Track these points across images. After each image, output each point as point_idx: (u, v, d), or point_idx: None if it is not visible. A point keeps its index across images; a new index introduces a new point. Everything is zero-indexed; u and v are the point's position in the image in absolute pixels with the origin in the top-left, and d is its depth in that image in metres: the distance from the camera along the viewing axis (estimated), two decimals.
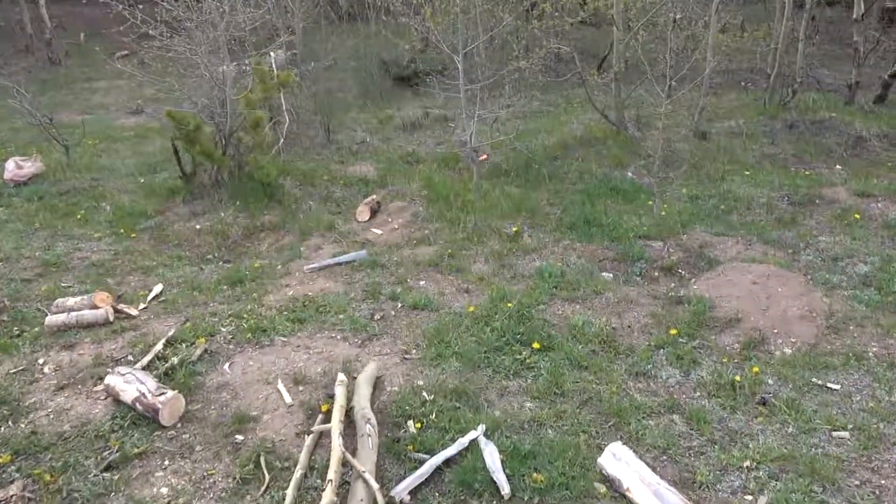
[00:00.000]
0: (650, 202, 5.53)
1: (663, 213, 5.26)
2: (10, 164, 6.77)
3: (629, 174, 6.42)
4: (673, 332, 3.67)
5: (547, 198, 5.83)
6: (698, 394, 3.16)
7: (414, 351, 3.62)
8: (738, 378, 3.19)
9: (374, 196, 5.82)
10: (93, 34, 17.18)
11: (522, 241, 4.97)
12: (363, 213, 5.53)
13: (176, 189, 6.25)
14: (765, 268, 4.20)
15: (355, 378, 3.31)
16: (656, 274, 4.41)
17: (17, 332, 3.96)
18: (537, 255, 4.73)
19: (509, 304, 3.91)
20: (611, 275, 4.43)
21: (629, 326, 3.78)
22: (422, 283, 4.40)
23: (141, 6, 5.61)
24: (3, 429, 3.10)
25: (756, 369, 3.26)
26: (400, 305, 4.10)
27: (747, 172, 6.20)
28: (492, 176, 6.39)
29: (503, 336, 3.65)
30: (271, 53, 8.40)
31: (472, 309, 3.95)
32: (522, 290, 4.20)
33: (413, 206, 5.78)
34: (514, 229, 5.10)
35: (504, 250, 4.82)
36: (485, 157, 6.94)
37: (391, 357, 3.57)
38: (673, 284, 4.28)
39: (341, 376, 3.22)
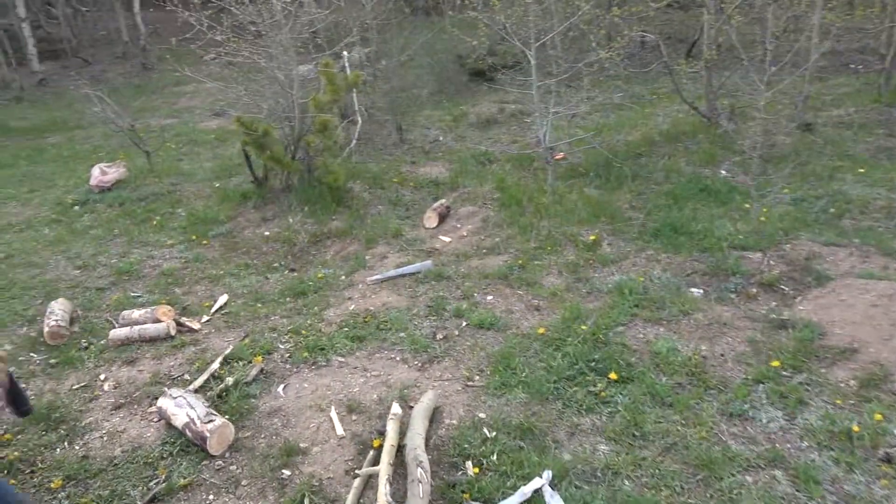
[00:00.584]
0: (747, 205, 4.98)
1: (762, 218, 4.71)
2: (95, 171, 6.97)
3: (722, 172, 5.86)
4: (775, 363, 3.20)
5: (629, 200, 5.39)
6: (806, 444, 2.71)
7: (477, 377, 3.33)
8: (855, 427, 2.71)
9: (444, 201, 5.55)
10: (184, 39, 17.90)
11: (600, 251, 4.57)
12: (431, 219, 5.28)
13: (248, 194, 6.23)
14: (886, 286, 3.63)
15: (412, 408, 3.06)
16: (754, 291, 3.91)
17: (86, 345, 3.97)
18: (616, 266, 4.33)
19: (584, 327, 3.55)
20: (701, 291, 3.97)
21: (722, 355, 3.34)
22: (489, 297, 4.10)
23: (208, 12, 5.58)
24: (59, 450, 3.05)
25: (878, 416, 2.76)
26: (464, 324, 3.82)
27: (861, 170, 5.50)
28: (569, 176, 5.99)
29: (576, 363, 3.30)
30: (345, 53, 8.28)
31: (541, 331, 3.61)
32: (599, 308, 3.82)
33: (484, 211, 5.48)
34: (592, 237, 4.71)
35: (580, 261, 4.44)
36: (561, 155, 6.55)
37: (452, 383, 3.30)
38: (774, 304, 3.77)
39: (395, 408, 2.98)
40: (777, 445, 2.72)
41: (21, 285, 4.80)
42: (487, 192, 5.82)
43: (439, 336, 3.72)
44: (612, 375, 3.18)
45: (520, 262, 4.48)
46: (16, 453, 2.98)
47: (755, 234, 4.51)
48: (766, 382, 3.11)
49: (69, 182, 7.40)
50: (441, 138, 7.76)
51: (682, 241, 4.54)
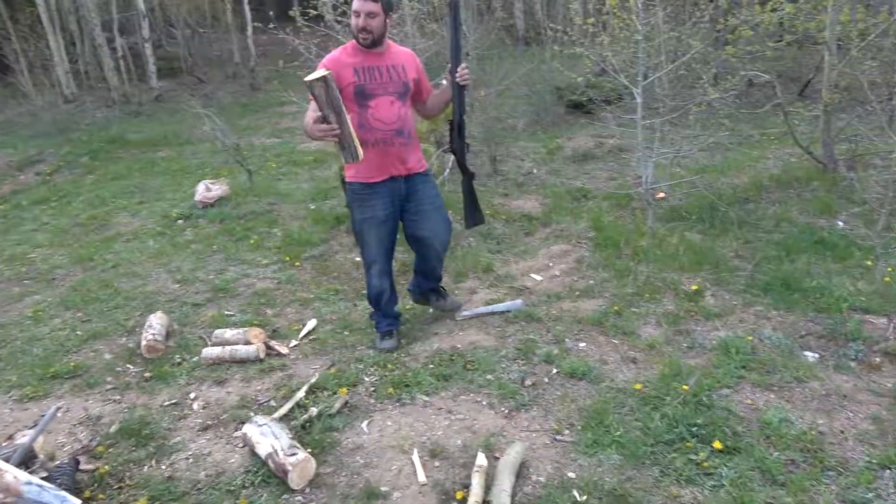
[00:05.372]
0: (869, 262, 4.58)
1: (887, 278, 4.30)
2: (200, 187, 7.29)
3: (840, 224, 5.44)
4: None
5: (735, 249, 5.07)
6: None
7: (567, 432, 3.15)
8: None
9: None
10: (291, 64, 18.74)
11: (703, 302, 4.30)
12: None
13: (342, 217, 6.31)
14: None
15: (497, 459, 2.92)
16: (878, 360, 3.54)
17: (179, 361, 4.07)
18: (721, 321, 4.05)
19: (685, 386, 3.31)
20: (816, 356, 3.64)
21: (842, 432, 3.02)
22: (581, 344, 3.92)
23: (317, 40, 5.73)
24: (146, 468, 3.10)
25: None
26: (555, 371, 3.66)
27: None
28: (669, 219, 5.72)
29: (675, 426, 3.06)
30: (443, 82, 8.32)
31: (638, 386, 3.40)
32: (701, 366, 3.57)
33: (578, 250, 5.30)
34: (694, 287, 4.44)
35: (680, 312, 4.18)
36: (661, 195, 6.29)
37: (540, 436, 3.14)
38: None
39: (481, 458, 2.85)
40: None
41: (124, 295, 5.02)
42: (582, 230, 5.64)
43: (528, 382, 3.57)
44: (717, 444, 2.93)
45: (615, 308, 4.28)
46: (106, 467, 3.05)
47: (879, 297, 4.12)
48: (892, 468, 2.77)
49: (176, 196, 7.77)
50: (535, 171, 7.65)
51: (795, 298, 4.20)
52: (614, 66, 5.49)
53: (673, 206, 5.97)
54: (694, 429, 3.04)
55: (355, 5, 3.31)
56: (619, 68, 5.49)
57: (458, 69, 3.52)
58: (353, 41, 3.45)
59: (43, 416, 3.11)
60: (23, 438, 2.95)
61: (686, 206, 5.90)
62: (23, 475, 2.45)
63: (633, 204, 6.10)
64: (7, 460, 2.62)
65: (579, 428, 3.16)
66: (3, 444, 2.98)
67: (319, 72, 3.15)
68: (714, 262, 4.81)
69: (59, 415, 3.46)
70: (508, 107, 10.28)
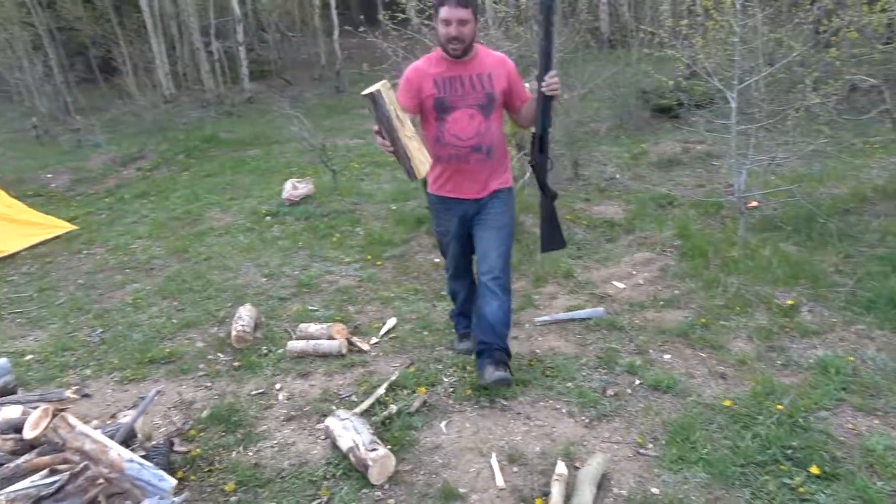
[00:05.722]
0: None
1: None
2: (287, 185, 7.54)
3: None
4: None
5: (835, 263, 4.78)
6: None
7: (651, 446, 3.06)
8: None
9: None
10: (378, 64, 19.12)
11: (799, 318, 4.08)
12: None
13: (423, 219, 6.38)
14: None
15: (577, 468, 2.87)
16: None
17: (265, 352, 4.22)
18: (819, 339, 3.83)
19: (779, 406, 3.15)
20: None
21: None
22: (666, 356, 3.80)
23: (404, 43, 5.82)
24: (234, 453, 3.23)
25: None
26: (638, 382, 3.56)
27: None
28: (762, 229, 5.47)
29: (768, 448, 2.92)
30: (526, 85, 8.26)
31: (727, 403, 3.26)
32: (797, 385, 3.38)
33: (662, 259, 5.15)
34: (790, 301, 4.22)
35: (774, 327, 3.99)
36: (754, 204, 6.01)
37: (622, 448, 3.06)
38: None
39: (560, 467, 2.80)
40: None
41: (216, 287, 5.25)
42: (667, 238, 5.47)
43: (609, 392, 3.49)
44: (814, 469, 2.77)
45: (702, 320, 4.12)
46: (198, 450, 3.20)
47: None
48: None
49: (264, 193, 8.07)
50: (618, 176, 7.48)
51: None
52: (707, 69, 5.29)
53: (766, 216, 5.70)
54: (789, 451, 2.89)
55: (444, 13, 3.01)
56: (713, 71, 5.29)
57: (546, 77, 3.08)
58: (439, 50, 3.18)
59: (143, 398, 3.29)
60: (125, 418, 3.13)
61: (781, 216, 5.62)
62: (126, 453, 2.60)
63: (722, 212, 5.87)
64: (111, 438, 2.79)
65: (663, 442, 3.06)
66: (108, 423, 3.17)
67: (373, 86, 2.84)
68: (812, 276, 4.55)
69: (156, 398, 3.64)
70: (591, 110, 10.11)
